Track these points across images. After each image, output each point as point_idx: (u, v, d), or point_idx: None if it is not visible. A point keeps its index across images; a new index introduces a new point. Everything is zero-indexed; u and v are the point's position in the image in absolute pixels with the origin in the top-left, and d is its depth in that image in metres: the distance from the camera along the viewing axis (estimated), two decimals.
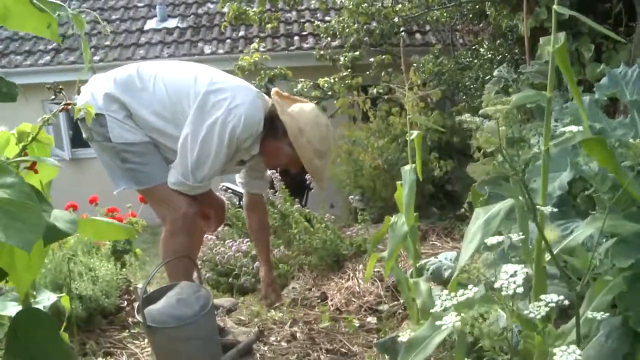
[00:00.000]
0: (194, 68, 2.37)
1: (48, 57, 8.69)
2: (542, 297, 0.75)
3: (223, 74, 2.41)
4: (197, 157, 2.18)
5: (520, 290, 0.69)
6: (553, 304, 0.75)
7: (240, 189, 4.70)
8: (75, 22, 1.05)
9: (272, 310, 2.67)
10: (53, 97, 1.18)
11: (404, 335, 0.98)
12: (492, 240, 0.85)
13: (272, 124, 2.29)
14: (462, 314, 0.69)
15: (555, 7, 1.02)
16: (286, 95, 2.40)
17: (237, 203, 3.93)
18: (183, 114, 2.23)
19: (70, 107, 1.15)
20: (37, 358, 0.76)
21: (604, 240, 1.38)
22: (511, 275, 0.72)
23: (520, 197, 0.89)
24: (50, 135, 1.18)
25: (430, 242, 3.70)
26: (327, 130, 2.33)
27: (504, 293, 0.71)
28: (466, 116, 0.84)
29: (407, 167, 1.90)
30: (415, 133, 1.90)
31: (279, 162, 2.47)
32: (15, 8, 0.89)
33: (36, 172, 1.05)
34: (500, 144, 0.81)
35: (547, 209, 0.97)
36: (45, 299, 1.28)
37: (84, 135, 2.28)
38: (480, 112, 0.83)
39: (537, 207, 1.00)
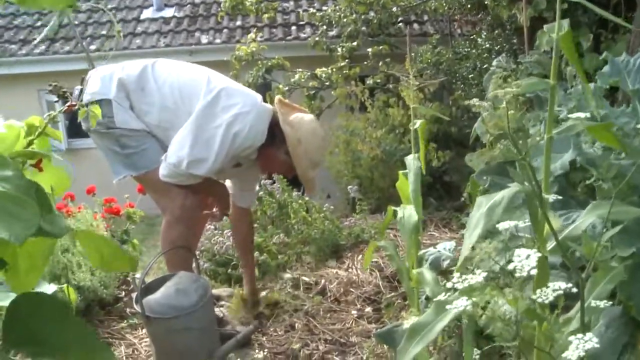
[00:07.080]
0: (207, 70, 2.42)
1: (43, 47, 8.58)
2: (550, 284, 0.75)
3: (233, 81, 2.49)
4: (196, 154, 2.16)
5: (534, 272, 0.69)
6: (560, 291, 0.74)
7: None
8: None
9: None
10: (56, 100, 1.16)
11: (408, 322, 0.97)
12: (504, 225, 0.84)
13: (272, 131, 2.30)
14: (474, 298, 0.68)
15: None
16: (287, 103, 2.43)
17: None
18: (190, 109, 2.23)
19: (74, 108, 1.12)
20: (44, 341, 0.73)
21: (604, 229, 1.37)
22: (525, 258, 0.71)
23: (527, 183, 0.88)
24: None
25: (429, 233, 3.70)
26: (323, 142, 2.43)
27: (517, 274, 0.70)
28: (474, 100, 0.83)
29: (411, 156, 1.90)
30: (418, 122, 1.89)
31: (274, 168, 2.57)
32: None
33: (41, 170, 1.02)
34: (508, 128, 0.80)
35: (551, 197, 0.96)
36: (44, 290, 1.26)
37: (83, 126, 2.26)
38: (489, 95, 0.81)
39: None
